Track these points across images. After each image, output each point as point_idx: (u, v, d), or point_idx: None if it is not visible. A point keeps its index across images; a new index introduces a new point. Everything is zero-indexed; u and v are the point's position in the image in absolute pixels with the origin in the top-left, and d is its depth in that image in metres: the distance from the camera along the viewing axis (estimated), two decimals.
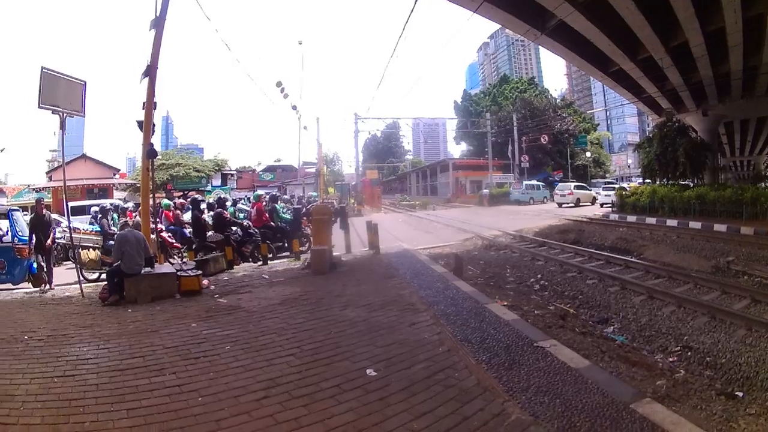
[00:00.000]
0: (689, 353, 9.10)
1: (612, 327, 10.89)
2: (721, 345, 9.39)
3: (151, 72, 13.48)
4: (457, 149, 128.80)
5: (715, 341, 9.63)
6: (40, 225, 13.72)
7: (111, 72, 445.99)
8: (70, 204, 19.76)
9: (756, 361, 8.49)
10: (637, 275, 15.77)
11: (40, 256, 13.98)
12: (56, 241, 16.03)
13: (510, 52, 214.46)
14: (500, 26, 42.74)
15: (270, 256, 17.58)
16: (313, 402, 5.49)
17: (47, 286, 13.73)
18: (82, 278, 13.51)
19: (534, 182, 62.83)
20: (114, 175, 58.04)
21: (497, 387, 5.85)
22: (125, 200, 37.54)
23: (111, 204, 21.46)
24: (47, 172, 62.14)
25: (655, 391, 6.75)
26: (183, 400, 5.59)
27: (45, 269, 14.09)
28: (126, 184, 57.14)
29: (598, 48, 29.04)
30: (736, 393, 7.36)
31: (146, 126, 13.63)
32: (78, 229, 16.76)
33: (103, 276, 13.26)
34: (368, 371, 6.36)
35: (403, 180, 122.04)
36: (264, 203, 19.66)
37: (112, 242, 13.43)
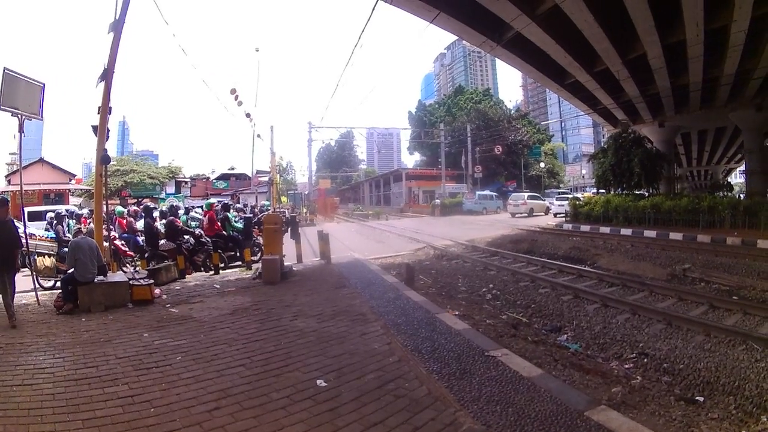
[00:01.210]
0: (645, 360, 9.10)
1: (565, 335, 10.89)
2: (679, 351, 9.41)
3: (107, 76, 13.26)
4: (411, 159, 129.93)
5: (672, 347, 9.66)
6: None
7: (68, 74, 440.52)
8: (27, 209, 19.44)
9: (716, 366, 8.52)
10: (590, 284, 15.91)
11: None
12: None
13: (466, 62, 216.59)
14: (457, 37, 42.73)
15: (222, 265, 17.50)
16: (264, 413, 5.54)
17: None
18: (37, 285, 13.27)
19: (487, 192, 63.43)
20: (70, 180, 57.56)
21: (448, 397, 5.91)
22: (80, 206, 37.20)
23: (66, 210, 21.20)
24: (6, 176, 61.62)
25: (610, 398, 6.82)
26: (136, 410, 5.62)
27: None
28: (81, 189, 56.79)
29: (555, 60, 29.22)
30: (697, 398, 7.38)
31: (101, 131, 13.35)
32: (34, 235, 16.61)
33: (58, 284, 13.03)
34: (319, 382, 6.42)
35: (356, 189, 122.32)
36: (216, 212, 19.50)
37: (66, 249, 13.24)
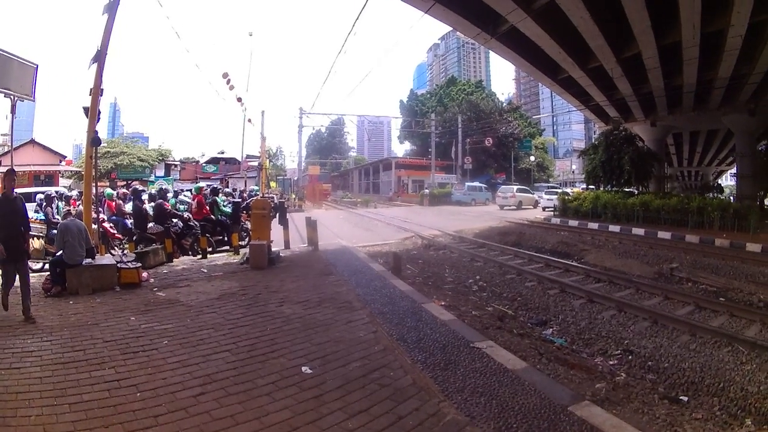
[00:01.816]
0: (630, 357, 9.16)
1: (551, 329, 10.93)
2: (664, 350, 9.47)
3: (100, 57, 13.14)
4: (401, 148, 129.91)
5: (657, 346, 9.71)
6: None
7: (60, 54, 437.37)
8: (17, 190, 19.30)
9: (701, 366, 8.58)
10: (577, 279, 15.98)
11: None
12: None
13: (460, 54, 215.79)
14: (451, 28, 42.62)
15: (209, 249, 17.60)
16: (249, 399, 5.56)
17: None
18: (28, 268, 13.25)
19: (477, 184, 63.58)
20: (60, 161, 57.12)
21: (433, 387, 5.93)
22: (70, 188, 36.83)
23: (56, 192, 21.03)
24: None
25: (594, 393, 6.81)
26: (122, 395, 5.62)
27: None
28: (71, 171, 56.37)
29: (549, 55, 29.19)
30: (681, 397, 7.44)
31: (92, 113, 13.20)
32: None
33: (47, 266, 12.96)
34: (304, 369, 6.44)
35: (345, 177, 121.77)
36: (205, 195, 19.43)
37: (56, 231, 13.20)
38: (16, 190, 9.68)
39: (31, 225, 15.59)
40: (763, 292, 14.26)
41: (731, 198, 42.95)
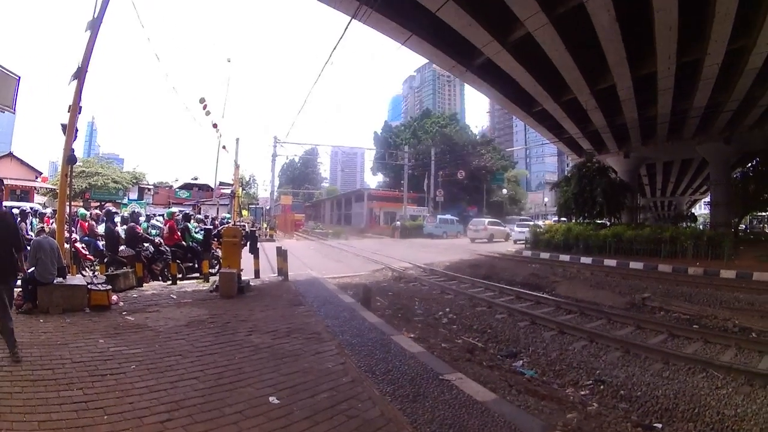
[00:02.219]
0: (602, 387, 9.13)
1: (521, 361, 10.89)
2: (636, 378, 9.45)
3: (80, 74, 13.03)
4: (374, 180, 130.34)
5: (629, 375, 9.70)
6: None
7: (41, 68, 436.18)
8: None
9: (675, 393, 8.57)
10: (547, 310, 15.88)
11: None
12: None
13: (435, 86, 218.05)
14: (427, 60, 42.91)
15: (179, 276, 17.44)
16: (216, 427, 5.50)
17: None
18: None
19: (448, 217, 63.71)
20: (36, 178, 56.93)
21: (401, 419, 5.89)
22: (45, 205, 36.87)
23: (31, 208, 20.96)
24: None
25: (565, 424, 6.79)
26: (90, 416, 5.56)
27: None
28: (47, 188, 56.36)
29: (524, 88, 29.39)
30: (654, 425, 7.44)
31: (69, 130, 13.06)
32: None
33: (19, 282, 12.85)
34: (271, 399, 6.37)
35: (317, 207, 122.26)
36: (177, 221, 19.37)
37: (29, 248, 13.09)
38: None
39: None
40: (739, 318, 14.35)
41: (705, 226, 43.34)
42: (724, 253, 24.78)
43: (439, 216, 63.92)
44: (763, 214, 50.38)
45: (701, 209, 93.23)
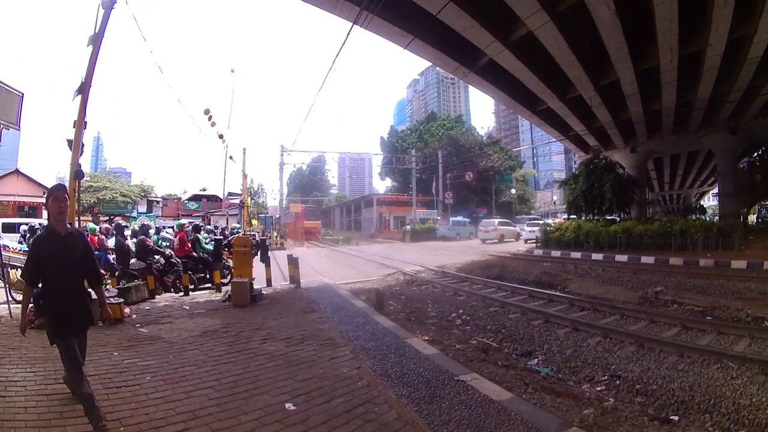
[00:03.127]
0: (618, 382, 9.05)
1: (536, 359, 10.80)
2: (652, 372, 9.38)
3: (84, 89, 12.95)
4: (382, 185, 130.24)
5: (644, 369, 9.62)
6: None
7: (44, 85, 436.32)
8: (1, 221, 19.23)
9: (690, 385, 8.50)
10: (561, 308, 15.83)
11: None
12: None
13: (439, 89, 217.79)
14: (431, 63, 42.80)
15: (191, 287, 17.43)
16: None
17: None
18: (11, 298, 13.24)
19: (461, 219, 64.08)
20: (44, 193, 56.81)
21: (418, 421, 5.87)
22: None
23: (40, 224, 20.99)
24: None
25: (582, 420, 6.78)
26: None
27: None
28: None
29: (527, 87, 29.45)
30: (672, 417, 7.38)
31: (75, 145, 12.96)
32: (8, 247, 16.42)
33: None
34: (287, 405, 6.36)
35: (327, 214, 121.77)
36: (187, 233, 19.41)
37: None
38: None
39: (14, 256, 15.43)
40: (751, 307, 14.24)
41: (714, 218, 43.19)
42: (734, 243, 24.82)
43: (451, 218, 64.38)
44: None
45: (710, 201, 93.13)
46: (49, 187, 6.19)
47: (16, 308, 12.37)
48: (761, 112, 31.82)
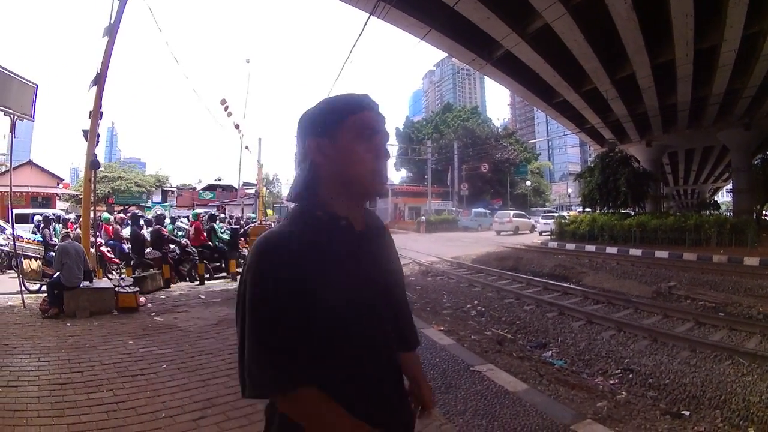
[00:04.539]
0: (631, 375, 9.06)
1: (550, 351, 10.84)
2: (664, 367, 9.37)
3: (100, 80, 13.08)
4: (397, 175, 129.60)
5: (657, 363, 9.62)
6: None
7: (59, 75, 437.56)
8: (16, 211, 19.29)
9: (702, 381, 8.49)
10: (575, 301, 15.82)
11: None
12: (0, 248, 15.66)
13: (455, 80, 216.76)
14: (447, 54, 42.79)
15: (207, 276, 17.50)
16: (250, 423, 5.49)
17: None
18: (24, 288, 13.17)
19: (482, 210, 63.89)
20: (58, 184, 56.88)
21: (434, 410, 5.79)
22: (67, 211, 36.94)
23: (53, 214, 21.09)
24: None
25: (596, 412, 6.77)
26: (121, 417, 5.56)
27: None
28: (68, 194, 56.65)
29: (543, 79, 29.49)
30: (683, 412, 7.37)
31: (91, 136, 13.14)
32: (21, 237, 16.45)
33: (44, 287, 12.91)
34: None
35: None
36: (202, 222, 19.33)
37: (53, 253, 13.12)
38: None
39: (27, 246, 15.49)
40: (763, 305, 14.20)
41: (728, 214, 43.01)
42: (747, 240, 24.73)
43: (473, 210, 64.55)
44: None
45: (724, 197, 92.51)
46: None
47: (29, 298, 12.45)
48: None
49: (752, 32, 21.02)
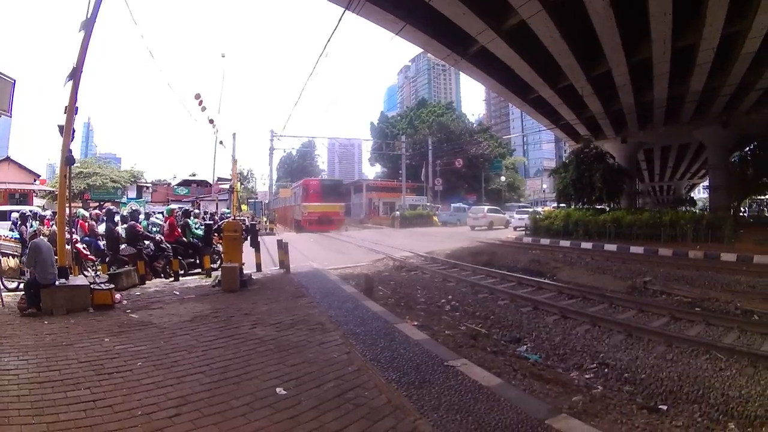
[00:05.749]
0: (606, 370, 9.14)
1: (525, 346, 10.87)
2: (640, 361, 9.48)
3: (75, 75, 12.90)
4: (372, 171, 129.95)
5: (633, 358, 9.72)
6: None
7: (35, 70, 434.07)
8: None
9: (679, 375, 8.60)
10: (550, 296, 15.92)
11: None
12: None
13: (430, 75, 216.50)
14: (422, 50, 42.87)
15: (181, 272, 17.47)
16: (224, 420, 5.52)
17: None
18: (2, 286, 13.31)
19: (460, 205, 64.72)
20: (35, 180, 57.01)
21: (408, 405, 5.93)
22: (44, 208, 36.85)
23: (30, 211, 20.94)
24: None
25: (571, 406, 6.87)
26: (98, 415, 5.59)
27: None
28: (45, 191, 56.33)
29: (519, 75, 29.37)
30: (660, 406, 7.45)
31: (67, 131, 12.93)
32: None
33: (22, 285, 12.85)
34: (278, 390, 6.40)
35: None
36: (176, 218, 19.33)
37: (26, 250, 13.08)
38: None
39: (5, 243, 15.37)
40: (740, 300, 14.35)
41: (704, 210, 43.34)
42: (724, 236, 24.87)
43: (452, 205, 65.36)
44: (763, 198, 50.21)
45: (700, 193, 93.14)
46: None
47: (8, 296, 12.43)
48: (754, 107, 31.88)
49: (732, 31, 21.10)
